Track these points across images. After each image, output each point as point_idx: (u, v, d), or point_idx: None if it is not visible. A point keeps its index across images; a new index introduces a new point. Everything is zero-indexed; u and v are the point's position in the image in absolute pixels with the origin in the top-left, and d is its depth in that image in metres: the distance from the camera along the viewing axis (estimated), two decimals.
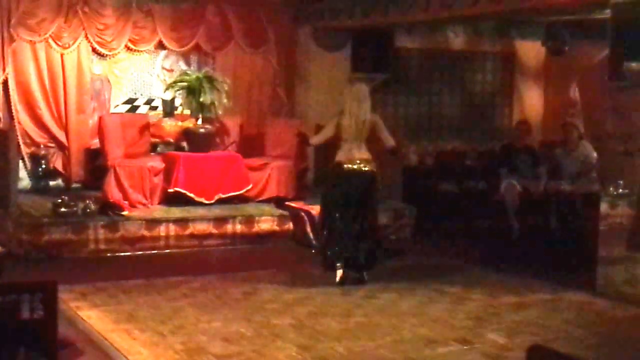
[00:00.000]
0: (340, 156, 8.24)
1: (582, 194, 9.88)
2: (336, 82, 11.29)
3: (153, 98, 11.68)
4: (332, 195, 8.37)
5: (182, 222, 9.67)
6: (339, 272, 8.16)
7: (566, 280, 8.36)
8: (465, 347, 6.37)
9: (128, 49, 11.35)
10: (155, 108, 11.62)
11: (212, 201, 10.29)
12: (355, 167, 8.18)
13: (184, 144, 10.83)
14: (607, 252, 8.16)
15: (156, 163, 10.40)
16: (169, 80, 11.37)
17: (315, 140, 8.85)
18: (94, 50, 11.14)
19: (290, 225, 10.11)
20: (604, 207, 8.35)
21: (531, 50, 13.79)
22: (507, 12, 10.78)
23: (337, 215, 8.23)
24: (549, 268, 8.88)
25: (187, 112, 11.04)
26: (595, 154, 10.36)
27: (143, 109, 11.62)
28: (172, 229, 9.60)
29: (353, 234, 8.20)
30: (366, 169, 8.21)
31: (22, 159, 10.77)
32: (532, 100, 14.15)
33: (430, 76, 13.46)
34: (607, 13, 8.61)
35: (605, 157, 9.36)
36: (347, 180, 8.21)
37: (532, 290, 8.14)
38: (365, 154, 8.23)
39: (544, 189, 10.39)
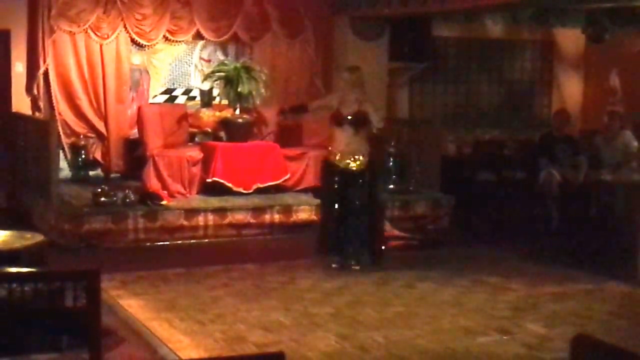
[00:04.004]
0: (335, 146, 8.35)
1: (623, 183, 9.76)
2: (373, 72, 11.26)
3: (191, 88, 11.73)
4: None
5: (220, 211, 9.71)
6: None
7: (607, 270, 8.27)
8: (504, 337, 6.35)
9: (166, 39, 11.39)
10: (193, 98, 11.67)
11: (250, 191, 10.29)
12: (348, 161, 8.30)
13: (222, 134, 10.85)
14: None
15: (194, 153, 10.45)
16: (207, 71, 11.40)
17: (314, 105, 8.85)
18: (132, 40, 11.19)
19: None
20: None
21: (570, 38, 13.63)
22: None
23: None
24: (589, 258, 8.79)
25: (225, 102, 11.06)
26: (636, 143, 10.24)
27: (181, 99, 11.68)
28: (211, 218, 9.64)
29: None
30: (356, 163, 8.30)
31: (63, 149, 10.84)
32: (571, 89, 14.00)
33: (468, 65, 13.39)
34: None
35: None
36: (342, 174, 8.35)
37: (573, 280, 8.08)
38: (358, 144, 8.31)
39: (583, 178, 10.29)
